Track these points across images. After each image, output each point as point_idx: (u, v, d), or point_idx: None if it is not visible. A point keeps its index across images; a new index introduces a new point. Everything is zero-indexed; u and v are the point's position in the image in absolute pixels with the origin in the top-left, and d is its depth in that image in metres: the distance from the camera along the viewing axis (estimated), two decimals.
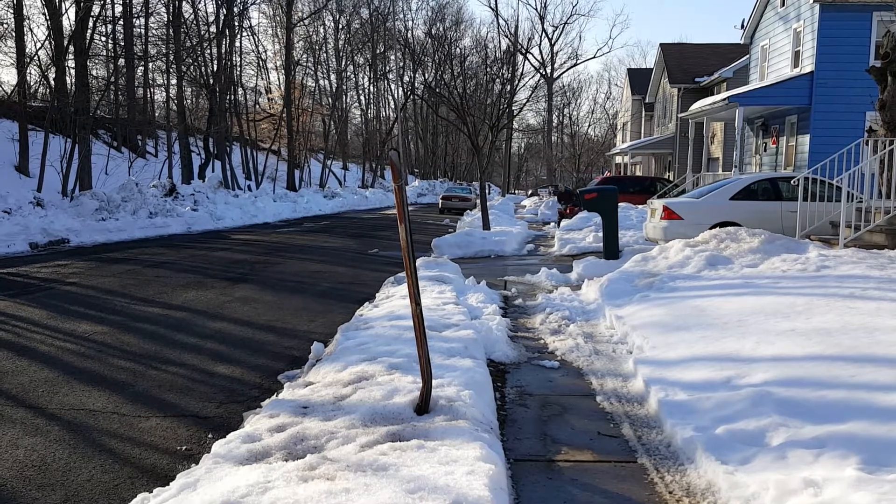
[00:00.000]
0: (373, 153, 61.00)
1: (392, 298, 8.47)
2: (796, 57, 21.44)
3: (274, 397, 5.17)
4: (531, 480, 3.86)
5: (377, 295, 9.31)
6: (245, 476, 3.40)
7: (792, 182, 12.69)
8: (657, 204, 13.44)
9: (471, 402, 4.46)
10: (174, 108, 35.93)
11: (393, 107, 67.52)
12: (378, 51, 61.52)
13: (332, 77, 56.79)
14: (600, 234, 14.49)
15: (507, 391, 5.48)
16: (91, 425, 5.05)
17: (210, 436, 4.85)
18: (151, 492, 3.64)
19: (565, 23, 68.74)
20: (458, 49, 34.93)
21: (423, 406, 4.36)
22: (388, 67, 64.67)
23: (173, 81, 35.44)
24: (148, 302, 9.73)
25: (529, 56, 43.18)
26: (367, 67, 62.49)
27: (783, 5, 22.35)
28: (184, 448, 4.67)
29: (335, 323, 8.10)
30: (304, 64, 50.81)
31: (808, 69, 20.30)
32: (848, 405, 4.17)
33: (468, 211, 31.67)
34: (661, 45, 37.87)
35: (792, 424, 4.02)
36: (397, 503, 2.97)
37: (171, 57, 34.52)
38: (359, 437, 3.89)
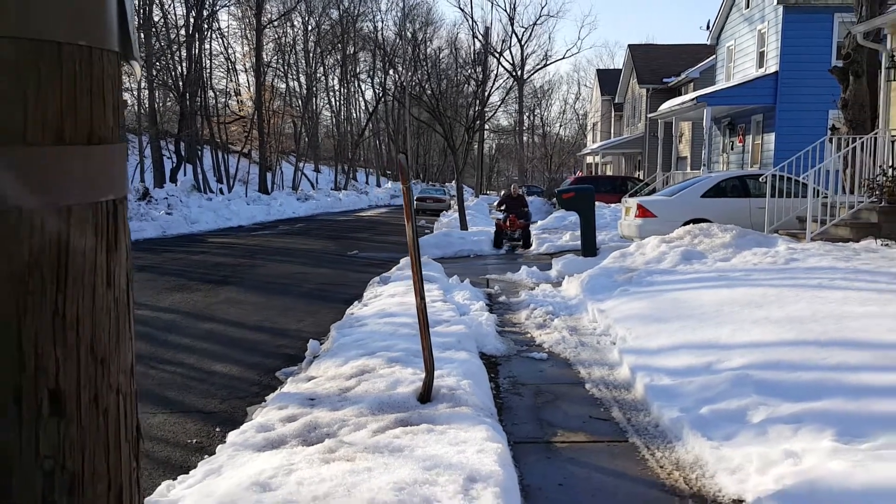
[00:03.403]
0: (345, 155, 60.95)
1: (380, 297, 8.69)
2: (761, 57, 22.07)
3: (278, 391, 5.37)
4: (532, 460, 4.13)
5: (365, 294, 9.52)
6: (268, 460, 3.61)
7: (760, 179, 13.15)
8: (631, 202, 13.82)
9: (471, 391, 4.72)
10: (145, 111, 35.66)
11: (364, 108, 67.53)
12: (348, 52, 61.51)
13: (303, 79, 56.69)
14: (576, 233, 14.84)
15: (501, 381, 5.75)
16: None
17: (218, 429, 5.03)
18: (175, 479, 3.83)
19: (534, 24, 69.43)
20: (429, 49, 35.19)
21: (426, 395, 4.61)
22: (358, 69, 64.65)
23: (144, 85, 35.16)
24: (135, 304, 9.82)
25: (500, 56, 43.59)
26: (338, 69, 62.45)
27: (748, 7, 22.98)
28: (194, 441, 4.86)
29: (324, 322, 8.30)
30: (275, 66, 50.66)
31: (772, 69, 20.91)
32: (821, 384, 4.51)
33: (443, 212, 31.90)
34: (629, 46, 38.52)
35: (770, 403, 4.34)
36: (417, 479, 3.21)
37: (142, 61, 34.22)
38: (369, 424, 4.12)
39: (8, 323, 0.72)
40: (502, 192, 44.62)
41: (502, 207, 17.68)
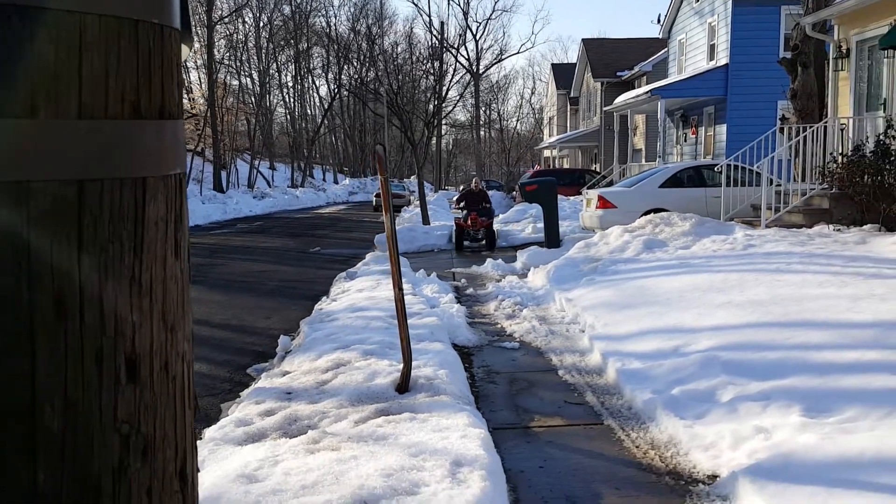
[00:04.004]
0: (300, 152, 60.41)
1: (349, 293, 8.69)
2: (712, 50, 22.55)
3: (253, 387, 5.35)
4: (512, 444, 4.20)
5: (332, 290, 9.50)
6: (251, 453, 3.62)
7: (715, 169, 13.46)
8: (592, 194, 14.04)
9: (448, 380, 4.77)
10: None
11: (319, 104, 66.98)
12: (301, 48, 60.94)
13: (255, 75, 56.01)
14: (538, 225, 14.99)
15: (475, 371, 5.82)
16: None
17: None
18: None
19: (488, 19, 69.73)
20: (385, 44, 35.14)
21: (404, 385, 4.65)
22: (312, 65, 64.11)
23: None
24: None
25: (454, 51, 43.67)
26: (291, 65, 61.84)
27: (698, 1, 23.45)
28: None
29: (292, 319, 8.27)
30: (227, 63, 49.96)
31: (723, 62, 21.39)
32: (786, 363, 4.68)
33: (404, 207, 31.83)
34: (583, 40, 38.95)
35: (739, 382, 4.48)
36: (404, 465, 3.25)
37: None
38: (350, 415, 4.14)
39: (91, 287, 0.75)
40: (461, 188, 44.07)
41: (461, 205, 15.75)
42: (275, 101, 62.04)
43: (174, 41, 0.82)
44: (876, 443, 3.43)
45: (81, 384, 0.75)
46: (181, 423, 0.85)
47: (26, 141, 0.70)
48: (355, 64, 52.90)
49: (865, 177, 9.81)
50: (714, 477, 3.63)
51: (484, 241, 15.04)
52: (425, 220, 20.00)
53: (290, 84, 63.82)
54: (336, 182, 64.59)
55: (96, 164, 0.73)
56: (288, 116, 64.70)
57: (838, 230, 9.50)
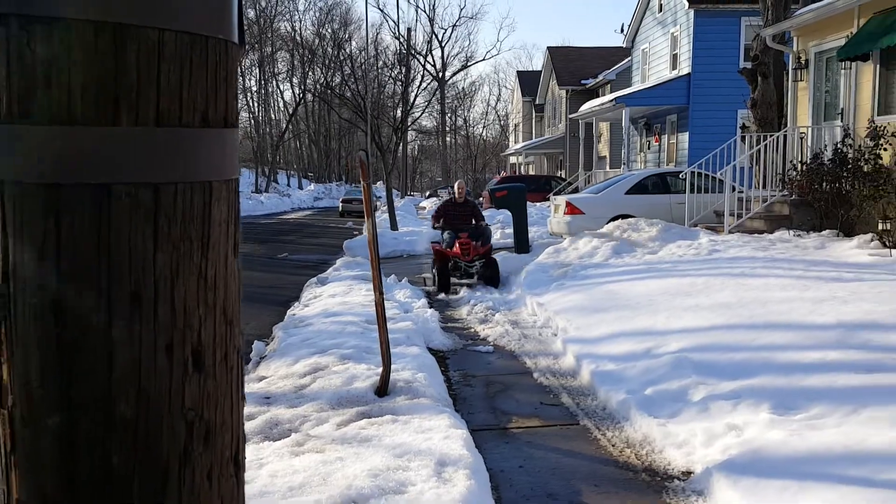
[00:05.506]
0: (265, 157, 59.98)
1: (321, 298, 8.70)
2: (674, 59, 23.01)
3: None
4: (491, 445, 4.28)
5: (303, 296, 9.50)
6: None
7: (679, 176, 13.76)
8: (560, 200, 14.23)
9: (427, 383, 4.83)
10: None
11: (283, 109, 66.62)
12: (266, 52, 60.58)
13: None
14: (507, 231, 15.14)
15: (452, 374, 5.89)
16: None
17: None
18: None
19: (454, 25, 70.04)
20: (351, 49, 35.19)
21: (384, 389, 4.70)
22: (276, 69, 63.76)
23: None
24: None
25: (421, 58, 43.84)
26: (255, 69, 61.44)
27: (661, 11, 23.93)
28: None
29: (264, 325, 8.24)
30: None
31: (685, 71, 21.84)
32: (754, 363, 4.84)
33: None
34: (548, 48, 39.41)
35: (709, 382, 4.63)
36: (390, 465, 3.31)
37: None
38: (332, 418, 4.18)
39: (164, 283, 0.81)
40: (426, 193, 43.44)
41: (441, 222, 10.70)
42: (238, 105, 61.60)
43: (234, 54, 0.88)
44: (843, 438, 3.59)
45: (154, 374, 0.80)
46: (236, 411, 0.91)
47: (109, 146, 0.76)
48: (321, 68, 52.77)
49: (824, 184, 10.13)
50: (688, 473, 3.75)
51: (477, 277, 10.24)
52: (393, 226, 20.03)
53: (255, 88, 63.36)
54: (301, 187, 64.23)
55: (170, 169, 0.80)
56: (252, 121, 64.18)
57: (798, 236, 9.79)
